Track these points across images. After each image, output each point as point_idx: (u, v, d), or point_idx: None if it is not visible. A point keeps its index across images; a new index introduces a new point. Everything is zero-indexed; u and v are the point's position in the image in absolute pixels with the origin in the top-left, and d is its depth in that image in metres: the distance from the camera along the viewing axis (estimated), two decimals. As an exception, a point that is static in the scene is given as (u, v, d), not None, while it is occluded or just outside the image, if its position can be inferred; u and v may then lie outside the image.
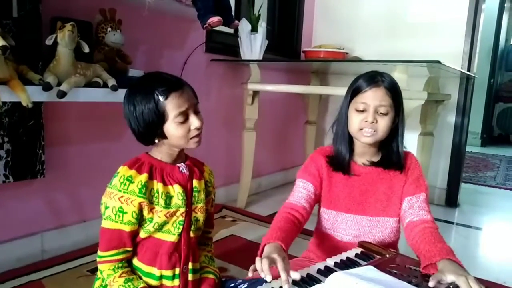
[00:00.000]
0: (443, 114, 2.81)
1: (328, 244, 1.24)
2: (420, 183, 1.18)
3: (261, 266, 0.88)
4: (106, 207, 0.97)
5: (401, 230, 1.21)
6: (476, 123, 6.04)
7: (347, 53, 2.91)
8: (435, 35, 2.80)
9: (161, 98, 0.95)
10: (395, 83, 1.14)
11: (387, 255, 1.07)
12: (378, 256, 1.07)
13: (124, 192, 0.96)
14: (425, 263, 0.96)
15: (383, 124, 1.11)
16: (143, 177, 0.97)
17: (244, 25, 2.38)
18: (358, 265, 1.02)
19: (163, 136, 0.99)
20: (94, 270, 1.62)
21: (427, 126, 2.63)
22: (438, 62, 1.73)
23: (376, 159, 1.19)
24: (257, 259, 0.92)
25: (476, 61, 2.81)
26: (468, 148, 3.78)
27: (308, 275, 0.95)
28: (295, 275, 0.89)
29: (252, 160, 2.53)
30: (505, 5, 6.35)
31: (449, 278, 0.88)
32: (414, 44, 2.84)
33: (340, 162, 1.19)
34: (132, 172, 0.97)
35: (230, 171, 2.69)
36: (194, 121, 0.99)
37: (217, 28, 2.48)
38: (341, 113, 1.19)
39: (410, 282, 0.91)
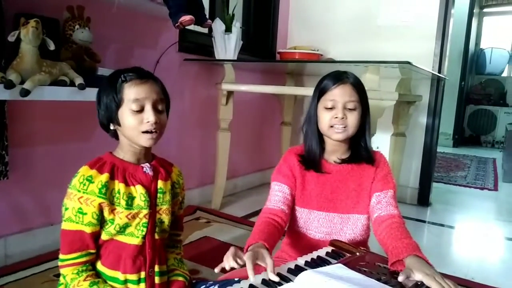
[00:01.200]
0: (415, 115, 2.86)
1: (300, 243, 1.24)
2: (388, 180, 1.20)
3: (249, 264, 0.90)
4: (66, 208, 0.94)
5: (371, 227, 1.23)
6: (448, 124, 6.20)
7: (321, 55, 2.94)
8: (406, 38, 2.85)
9: (121, 81, 0.95)
10: (359, 80, 1.18)
11: (357, 253, 1.08)
12: (348, 254, 1.08)
13: (83, 192, 0.93)
14: (393, 260, 0.98)
15: (353, 119, 1.13)
16: (104, 177, 0.95)
17: (218, 25, 2.36)
18: (329, 263, 1.02)
19: (118, 123, 0.97)
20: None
21: (399, 127, 2.67)
22: (409, 63, 1.76)
23: (346, 156, 1.21)
24: (245, 255, 0.93)
25: (447, 63, 2.88)
26: (440, 149, 3.87)
27: (278, 274, 0.94)
28: (274, 278, 0.90)
29: (227, 160, 2.51)
30: (474, 10, 6.55)
31: (417, 275, 0.89)
32: (386, 46, 2.89)
33: (311, 160, 1.20)
34: (93, 172, 0.94)
35: (205, 172, 2.66)
36: (148, 115, 0.95)
37: (190, 28, 2.47)
38: (309, 113, 1.21)
39: (379, 280, 0.91)
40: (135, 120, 0.95)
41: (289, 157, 1.24)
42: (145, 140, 0.97)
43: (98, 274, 0.99)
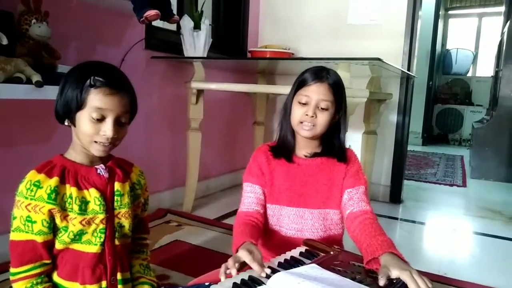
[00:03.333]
0: (386, 113, 2.88)
1: (274, 241, 1.22)
2: (359, 176, 1.20)
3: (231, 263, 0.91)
4: (14, 217, 0.87)
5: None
6: (417, 123, 6.34)
7: (292, 54, 2.91)
8: (376, 36, 2.87)
9: (88, 84, 0.87)
10: (339, 80, 1.17)
11: (331, 252, 1.05)
12: (322, 254, 1.05)
13: (31, 199, 0.86)
14: (368, 258, 0.96)
15: (322, 119, 1.13)
16: (53, 181, 0.88)
17: (186, 22, 2.30)
18: (303, 264, 0.99)
19: (73, 122, 0.91)
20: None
21: (370, 125, 2.68)
22: (379, 59, 1.76)
23: (317, 151, 1.21)
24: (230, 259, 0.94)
25: (415, 62, 2.91)
26: (410, 147, 3.94)
27: (250, 277, 0.90)
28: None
29: (198, 161, 2.44)
30: (440, 12, 6.74)
31: (394, 273, 0.88)
32: (356, 45, 2.90)
33: (284, 149, 1.21)
34: (41, 176, 0.88)
35: (175, 174, 2.58)
36: (107, 129, 0.88)
37: (158, 25, 2.40)
38: (286, 105, 1.21)
39: (353, 279, 0.90)
40: (91, 129, 0.88)
41: (258, 155, 1.24)
42: (96, 150, 0.91)
43: (55, 287, 0.92)
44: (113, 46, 2.08)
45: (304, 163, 1.19)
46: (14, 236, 0.87)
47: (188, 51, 2.35)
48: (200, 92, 2.34)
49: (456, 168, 4.70)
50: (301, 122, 1.14)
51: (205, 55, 2.40)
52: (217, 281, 0.98)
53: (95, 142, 0.90)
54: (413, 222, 2.62)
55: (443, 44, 7.55)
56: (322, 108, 1.13)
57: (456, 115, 7.10)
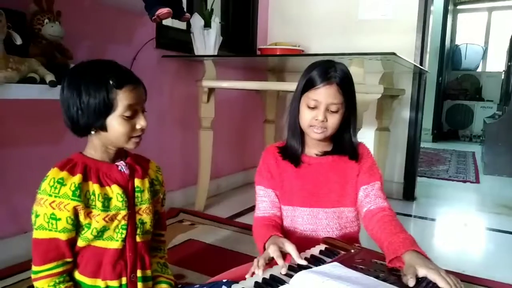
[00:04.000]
0: (398, 109, 2.85)
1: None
2: (374, 171, 1.18)
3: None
4: (37, 216, 0.87)
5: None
6: (427, 119, 6.27)
7: (302, 50, 2.89)
8: (387, 31, 2.84)
9: (114, 86, 0.87)
10: (348, 75, 1.13)
11: (352, 250, 1.04)
12: (342, 252, 1.03)
13: (55, 196, 0.86)
14: (391, 256, 0.94)
15: (333, 121, 1.11)
16: (77, 178, 0.88)
17: (196, 20, 2.29)
18: (323, 262, 0.97)
19: (103, 128, 0.90)
20: (35, 286, 1.46)
21: (383, 122, 2.65)
22: (394, 54, 1.73)
23: (328, 149, 1.19)
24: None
25: (428, 57, 2.88)
26: (420, 144, 3.89)
27: (271, 276, 0.89)
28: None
29: (210, 160, 2.43)
30: (449, 7, 6.67)
31: (421, 272, 0.85)
32: (367, 40, 2.87)
33: (292, 155, 1.18)
34: (64, 173, 0.87)
35: (187, 173, 2.58)
36: (141, 120, 0.92)
37: (168, 23, 2.39)
38: (293, 104, 1.17)
39: (377, 277, 0.88)
40: (127, 127, 0.90)
41: (266, 157, 1.22)
42: (134, 144, 0.95)
43: (76, 285, 0.92)
44: (124, 45, 2.08)
45: (315, 162, 1.17)
46: (37, 234, 0.87)
47: (199, 50, 2.34)
48: (211, 90, 2.32)
49: (468, 164, 4.64)
50: (311, 126, 1.12)
51: (216, 53, 2.39)
52: (235, 278, 0.98)
53: (132, 137, 0.92)
54: (428, 219, 2.59)
55: (452, 39, 7.47)
56: (332, 111, 1.10)
57: (466, 111, 7.02)
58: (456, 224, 2.58)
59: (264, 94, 3.07)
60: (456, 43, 7.49)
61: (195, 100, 2.43)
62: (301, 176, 1.17)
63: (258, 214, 1.18)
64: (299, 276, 0.85)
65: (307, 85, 1.11)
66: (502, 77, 6.45)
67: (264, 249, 1.00)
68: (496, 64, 7.24)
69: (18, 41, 1.32)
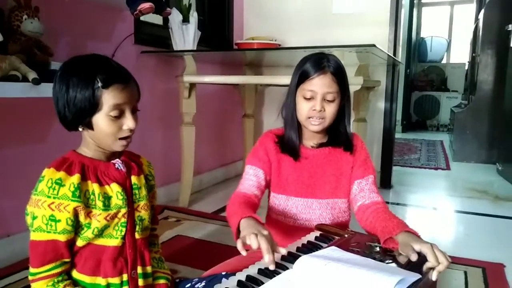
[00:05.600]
0: (373, 100, 2.93)
1: (280, 231, 1.22)
2: (368, 165, 1.20)
3: (265, 245, 0.85)
4: (34, 217, 0.84)
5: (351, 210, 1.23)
6: (397, 110, 6.44)
7: (279, 44, 2.92)
8: (361, 25, 2.91)
9: (100, 85, 0.84)
10: (341, 66, 1.14)
11: (346, 235, 1.07)
12: (337, 237, 1.06)
13: (54, 197, 0.83)
14: (385, 237, 0.97)
15: (330, 110, 1.11)
16: (75, 178, 0.86)
17: (175, 15, 2.26)
18: (320, 247, 1.00)
19: (89, 126, 0.88)
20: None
21: (360, 113, 2.72)
22: (374, 45, 1.78)
23: (323, 141, 1.20)
24: (246, 238, 0.88)
25: (400, 49, 2.97)
26: (394, 134, 4.02)
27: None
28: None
29: (193, 156, 2.43)
30: (414, 1, 6.88)
31: (415, 247, 0.89)
32: (341, 34, 2.93)
33: (290, 148, 1.18)
34: (61, 174, 0.85)
35: (169, 169, 2.56)
36: (128, 121, 0.88)
37: (145, 19, 2.35)
38: (288, 99, 1.18)
39: (374, 259, 0.91)
40: (113, 127, 0.87)
41: (266, 141, 1.21)
42: (120, 146, 0.91)
43: (75, 283, 0.90)
44: (103, 41, 2.04)
45: (311, 154, 1.18)
46: (35, 236, 0.85)
47: (178, 45, 2.33)
48: (192, 86, 2.32)
49: (437, 152, 4.83)
50: (309, 117, 1.12)
51: (195, 48, 2.38)
52: (231, 270, 0.99)
53: (119, 139, 0.89)
54: (405, 205, 2.69)
55: (418, 32, 7.71)
56: (329, 100, 1.11)
57: (433, 102, 7.27)
58: (431, 209, 2.69)
59: (243, 88, 3.08)
60: (421, 36, 7.73)
61: (174, 96, 2.42)
62: (298, 167, 1.18)
63: (241, 190, 1.16)
64: (301, 260, 0.88)
65: (302, 77, 1.12)
66: (466, 68, 6.73)
67: (238, 226, 0.96)
68: (459, 55, 7.54)
69: (0, 37, 1.27)
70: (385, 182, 3.04)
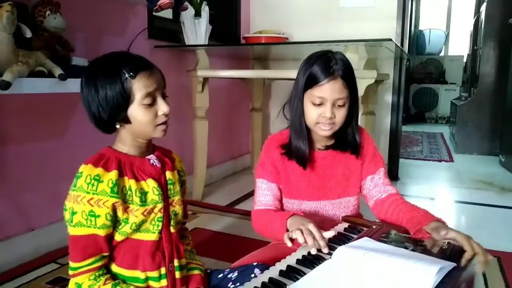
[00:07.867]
0: (381, 94, 2.96)
1: None
2: (377, 158, 1.21)
3: (318, 235, 0.92)
4: (74, 213, 0.85)
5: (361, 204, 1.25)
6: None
7: (286, 38, 2.92)
8: (368, 18, 2.92)
9: (128, 77, 0.86)
10: (349, 67, 1.09)
11: (374, 226, 1.08)
12: (365, 229, 1.08)
13: (93, 193, 0.85)
14: (416, 228, 0.99)
15: (341, 115, 1.09)
16: (113, 174, 0.87)
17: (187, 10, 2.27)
18: (351, 238, 1.02)
19: (126, 121, 0.90)
20: (55, 282, 1.45)
21: (368, 106, 2.75)
22: (390, 40, 1.80)
23: (330, 143, 1.18)
24: (292, 233, 0.94)
25: (406, 43, 3.00)
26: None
27: (309, 253, 0.93)
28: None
29: (206, 150, 2.45)
30: (413, -7, 6.88)
31: (450, 234, 0.91)
32: (350, 27, 2.94)
33: (298, 157, 1.15)
34: (99, 170, 0.87)
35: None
36: (162, 106, 0.92)
37: (157, 14, 2.35)
38: (294, 101, 1.12)
39: (406, 248, 0.92)
40: (149, 115, 0.90)
41: (270, 150, 1.18)
42: (160, 132, 0.94)
43: (114, 276, 0.93)
44: (118, 36, 2.04)
45: (320, 156, 1.17)
46: (75, 231, 0.86)
47: (190, 39, 2.33)
48: (205, 80, 2.33)
49: (439, 144, 4.88)
50: (318, 123, 1.09)
51: (207, 43, 2.39)
52: (261, 261, 1.01)
53: (157, 125, 0.92)
54: (413, 197, 2.72)
55: (416, 25, 7.72)
56: (339, 106, 1.07)
57: (431, 94, 7.30)
58: (440, 200, 2.73)
59: (251, 82, 3.09)
60: (420, 29, 7.75)
61: (186, 90, 2.43)
62: (308, 172, 1.16)
63: (260, 207, 1.16)
64: (339, 250, 0.90)
65: (310, 82, 1.07)
66: (464, 61, 6.77)
67: (286, 226, 1.01)
68: (457, 48, 7.57)
69: (28, 33, 1.28)
70: (392, 174, 3.07)
